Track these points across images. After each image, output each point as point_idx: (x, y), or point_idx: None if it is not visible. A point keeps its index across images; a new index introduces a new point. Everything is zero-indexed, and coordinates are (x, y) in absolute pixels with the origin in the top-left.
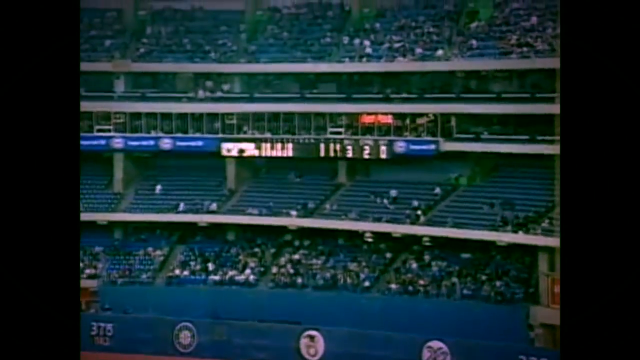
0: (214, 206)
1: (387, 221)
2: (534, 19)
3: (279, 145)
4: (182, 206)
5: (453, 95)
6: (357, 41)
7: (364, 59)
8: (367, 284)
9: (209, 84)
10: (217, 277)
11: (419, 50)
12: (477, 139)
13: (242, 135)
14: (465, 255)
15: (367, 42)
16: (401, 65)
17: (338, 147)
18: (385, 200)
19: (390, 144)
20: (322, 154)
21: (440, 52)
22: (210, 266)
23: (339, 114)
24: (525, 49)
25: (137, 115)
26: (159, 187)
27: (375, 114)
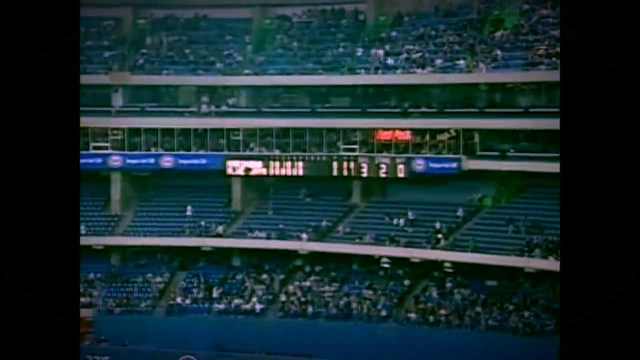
0: (219, 229)
1: (406, 245)
2: None
3: (288, 164)
4: (185, 230)
5: (476, 110)
6: (372, 52)
7: (380, 71)
8: (384, 313)
9: (214, 97)
10: (221, 306)
11: (439, 61)
12: (503, 157)
13: (249, 153)
14: (491, 283)
15: (383, 53)
16: (420, 77)
17: (352, 165)
18: (403, 223)
19: (408, 162)
20: (335, 173)
21: (462, 63)
22: (215, 294)
23: (354, 130)
24: (554, 59)
25: (136, 132)
26: (189, 208)
27: (393, 129)
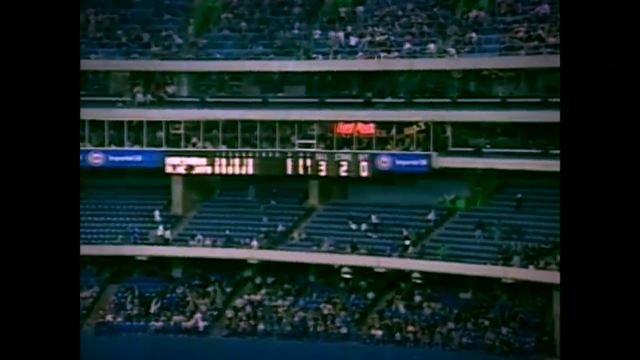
0: (156, 235)
1: (369, 253)
2: (545, 7)
3: (236, 161)
4: (117, 236)
5: (448, 100)
6: (331, 33)
7: (340, 56)
8: (344, 330)
9: (149, 85)
10: (159, 324)
11: (406, 45)
12: (478, 153)
13: (190, 149)
14: (464, 296)
15: (343, 35)
16: (385, 63)
17: (309, 162)
18: (365, 227)
19: (372, 159)
20: (289, 171)
21: (432, 46)
22: (152, 309)
23: (310, 123)
24: (535, 43)
25: None
26: (157, 212)
27: (354, 122)
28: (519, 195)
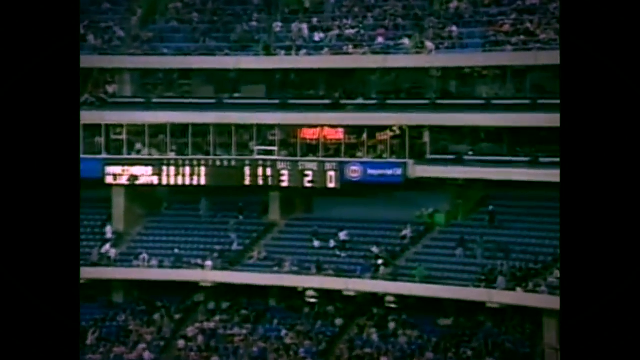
0: (94, 255)
1: (337, 274)
2: None
3: (186, 170)
4: None
5: (426, 102)
6: (294, 26)
7: (304, 51)
8: None
9: (87, 84)
10: (96, 357)
11: (379, 40)
12: (459, 161)
13: (134, 156)
14: (444, 322)
15: (307, 28)
16: (355, 59)
17: (269, 172)
18: (333, 245)
19: (340, 168)
20: (247, 181)
21: (407, 42)
22: (89, 340)
23: (271, 127)
24: (523, 37)
25: None
26: (95, 229)
27: (321, 126)
28: (491, 208)
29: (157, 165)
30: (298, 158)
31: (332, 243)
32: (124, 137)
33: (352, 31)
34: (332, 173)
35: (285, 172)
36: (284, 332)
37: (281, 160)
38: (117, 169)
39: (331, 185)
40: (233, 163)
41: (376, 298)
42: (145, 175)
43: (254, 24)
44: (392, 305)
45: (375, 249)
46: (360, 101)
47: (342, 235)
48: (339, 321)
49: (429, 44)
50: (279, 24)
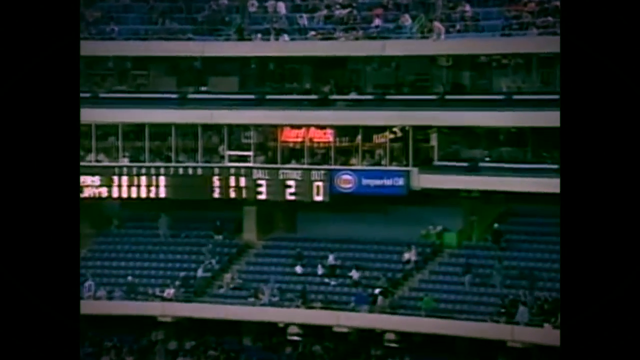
0: None
1: (325, 306)
2: None
3: (142, 180)
4: None
5: (433, 97)
6: (273, 5)
7: (285, 36)
8: None
9: None
10: None
11: (376, 22)
12: (474, 169)
13: (80, 163)
14: None
15: (290, 8)
16: (347, 45)
17: (243, 182)
18: (321, 271)
19: (330, 178)
20: (216, 193)
21: (410, 23)
22: None
23: (245, 127)
24: (551, 19)
25: None
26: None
27: (306, 126)
28: (496, 226)
29: (107, 174)
30: (278, 165)
31: (319, 269)
32: None
33: (343, 11)
34: (319, 183)
35: (262, 182)
36: None
37: (258, 168)
38: None
39: (318, 198)
40: (199, 171)
41: (374, 335)
42: (92, 186)
43: (224, 1)
44: (393, 345)
45: (372, 276)
46: (353, 96)
47: (332, 259)
48: None
49: (437, 27)
50: (255, 2)
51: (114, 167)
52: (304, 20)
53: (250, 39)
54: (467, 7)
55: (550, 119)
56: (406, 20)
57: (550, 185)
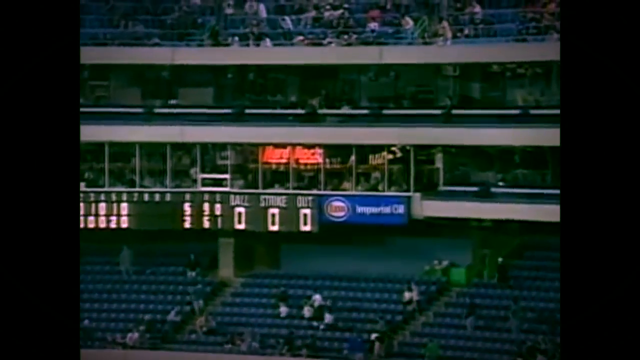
0: None
1: (314, 354)
2: None
3: (101, 207)
4: None
5: (438, 111)
6: (253, 5)
7: (268, 41)
8: None
9: None
10: None
11: (372, 25)
12: (486, 195)
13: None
14: None
15: (273, 9)
16: (339, 52)
17: (219, 209)
18: (309, 314)
19: (319, 205)
20: (187, 223)
21: (411, 27)
22: None
23: (221, 146)
24: None
25: None
26: None
27: (291, 145)
28: (500, 260)
29: None
30: (259, 190)
31: (307, 310)
32: None
33: (334, 13)
34: (306, 211)
35: (241, 210)
36: None
37: (236, 194)
38: None
39: (305, 228)
40: (168, 197)
41: None
42: None
43: (197, 1)
44: None
45: (368, 318)
46: (346, 111)
47: (320, 300)
48: None
49: (442, 30)
50: (231, 2)
51: None
52: (288, 23)
53: (226, 45)
54: (477, 8)
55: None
56: (407, 23)
57: None
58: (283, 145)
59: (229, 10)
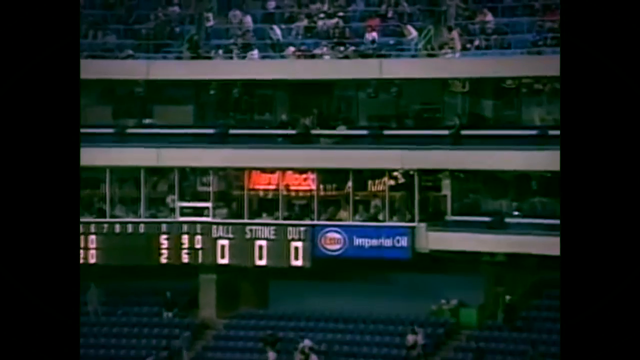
0: None
1: None
2: None
3: None
4: None
5: (445, 132)
6: (236, 14)
7: (255, 52)
8: None
9: None
10: None
11: (372, 35)
12: (499, 226)
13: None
14: None
15: (259, 18)
16: (334, 65)
17: (198, 241)
18: (300, 359)
19: (312, 237)
20: (163, 257)
21: (414, 37)
22: None
23: (202, 171)
24: None
25: None
26: None
27: (281, 170)
28: (508, 298)
29: None
30: (245, 220)
31: (297, 356)
32: None
33: (328, 22)
34: (298, 244)
35: (224, 242)
36: None
37: (219, 224)
38: None
39: (297, 263)
40: (141, 229)
41: None
42: None
43: (175, 9)
44: None
45: None
46: (342, 131)
47: (309, 343)
48: None
49: (450, 40)
50: (214, 9)
51: None
52: (277, 33)
53: (208, 57)
54: (489, 17)
55: None
56: (410, 33)
57: None
58: (272, 170)
59: (210, 22)
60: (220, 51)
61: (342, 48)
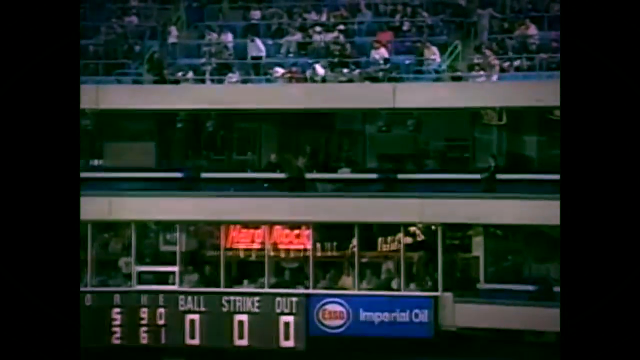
0: None
1: None
2: None
3: None
4: None
5: (477, 176)
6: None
7: (235, 75)
8: None
9: None
10: None
11: (380, 52)
12: (546, 297)
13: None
14: None
15: (240, 29)
16: (335, 91)
17: (161, 316)
18: None
19: (306, 310)
20: (114, 338)
21: (437, 56)
22: None
23: (166, 226)
24: None
25: None
26: None
27: (268, 224)
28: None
29: None
30: (221, 289)
31: None
32: None
33: (328, 36)
34: (289, 318)
35: (195, 317)
36: None
37: (187, 294)
38: None
39: (287, 343)
40: (88, 300)
41: None
42: None
43: (133, 19)
44: None
45: None
46: (345, 175)
47: None
48: None
49: (483, 60)
50: (182, 19)
51: None
52: (262, 49)
53: (175, 81)
54: (532, 29)
55: None
56: (431, 51)
57: None
58: (255, 225)
59: (174, 38)
60: (190, 73)
61: (344, 69)
